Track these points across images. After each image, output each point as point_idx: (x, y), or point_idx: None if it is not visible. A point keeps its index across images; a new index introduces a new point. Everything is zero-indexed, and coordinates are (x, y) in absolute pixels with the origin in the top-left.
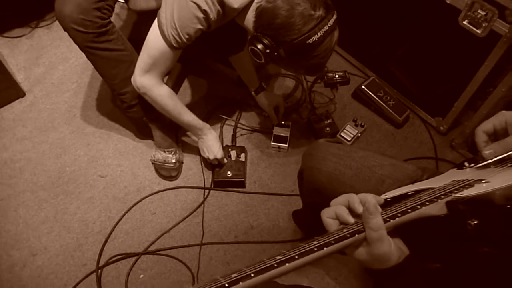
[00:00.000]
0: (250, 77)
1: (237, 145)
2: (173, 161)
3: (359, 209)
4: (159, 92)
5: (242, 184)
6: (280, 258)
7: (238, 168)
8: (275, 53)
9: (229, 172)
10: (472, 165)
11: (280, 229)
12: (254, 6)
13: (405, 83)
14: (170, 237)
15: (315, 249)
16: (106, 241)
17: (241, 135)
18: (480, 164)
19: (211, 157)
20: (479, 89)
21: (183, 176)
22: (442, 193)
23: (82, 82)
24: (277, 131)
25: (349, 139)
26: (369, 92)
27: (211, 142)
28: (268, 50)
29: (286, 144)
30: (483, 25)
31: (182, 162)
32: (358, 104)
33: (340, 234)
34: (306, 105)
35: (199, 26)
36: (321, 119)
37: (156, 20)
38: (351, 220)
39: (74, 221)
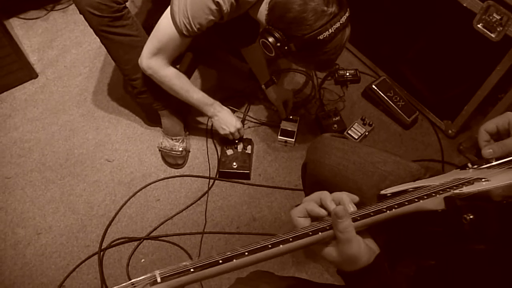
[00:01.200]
0: (261, 70)
1: (244, 137)
2: (180, 149)
3: (331, 206)
4: (166, 73)
5: (247, 176)
6: (275, 240)
7: (244, 160)
8: (286, 47)
9: (234, 164)
10: (475, 166)
11: (282, 222)
12: None
13: (415, 85)
14: (172, 224)
15: (310, 233)
16: (109, 224)
17: (249, 127)
18: (483, 166)
19: (233, 129)
20: (490, 94)
21: (189, 165)
22: (441, 188)
23: (94, 67)
24: (285, 125)
25: (356, 137)
26: (379, 91)
27: (227, 116)
28: (278, 44)
29: (293, 138)
30: (498, 29)
31: (189, 151)
32: (367, 103)
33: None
34: (315, 101)
35: (211, 17)
36: (329, 116)
37: (169, 6)
38: (323, 211)
39: (79, 203)
